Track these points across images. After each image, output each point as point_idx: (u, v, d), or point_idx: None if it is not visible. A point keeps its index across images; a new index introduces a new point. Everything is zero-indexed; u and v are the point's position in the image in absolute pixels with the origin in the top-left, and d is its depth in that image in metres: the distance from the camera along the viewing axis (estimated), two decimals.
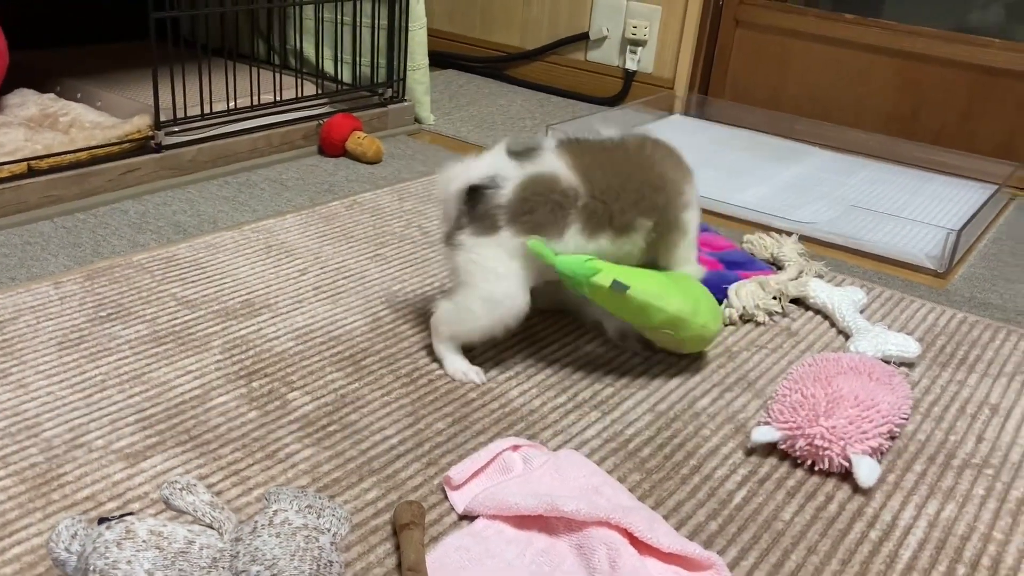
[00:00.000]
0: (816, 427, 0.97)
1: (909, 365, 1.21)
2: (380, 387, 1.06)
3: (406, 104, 2.09)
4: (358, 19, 1.99)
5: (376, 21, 1.98)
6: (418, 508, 0.83)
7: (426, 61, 2.10)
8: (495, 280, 1.06)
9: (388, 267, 1.37)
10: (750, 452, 1.00)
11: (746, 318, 1.29)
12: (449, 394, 1.06)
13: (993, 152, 2.08)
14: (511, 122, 2.24)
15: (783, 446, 0.99)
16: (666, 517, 0.89)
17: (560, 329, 1.23)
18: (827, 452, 0.96)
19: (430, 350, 1.14)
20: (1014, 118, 2.05)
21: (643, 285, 1.05)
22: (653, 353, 1.18)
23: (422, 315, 1.23)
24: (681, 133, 2.24)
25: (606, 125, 2.15)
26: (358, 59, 2.03)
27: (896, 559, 0.86)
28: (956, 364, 1.23)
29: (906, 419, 1.02)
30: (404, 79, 2.07)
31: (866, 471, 0.94)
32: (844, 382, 1.01)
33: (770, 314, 1.30)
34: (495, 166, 1.07)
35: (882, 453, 0.99)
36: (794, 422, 0.98)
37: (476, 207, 1.06)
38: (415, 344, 1.16)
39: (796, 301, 1.35)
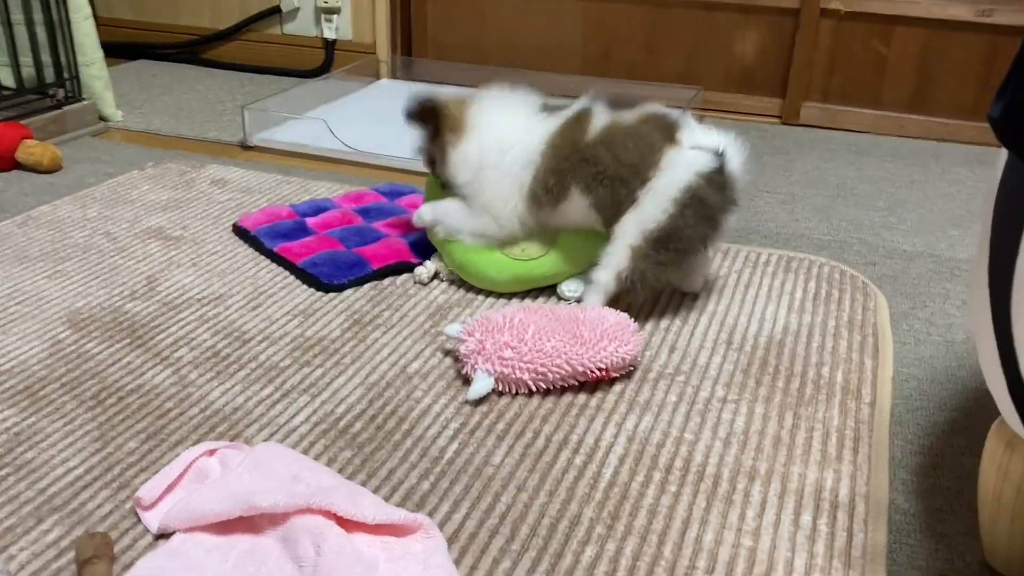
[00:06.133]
0: (471, 337, 1.03)
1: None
2: (61, 416, 0.97)
3: (85, 103, 1.92)
4: (7, 16, 1.79)
5: (31, 16, 1.80)
6: (102, 539, 0.77)
7: (100, 54, 1.94)
8: None
9: (69, 283, 1.25)
10: (462, 405, 1.01)
11: (443, 277, 1.29)
12: (141, 409, 0.98)
13: (677, 79, 2.22)
14: (209, 107, 2.12)
15: (457, 347, 1.06)
16: (378, 487, 0.87)
17: (265, 319, 1.18)
18: (467, 360, 1.03)
19: (120, 366, 1.06)
20: (689, 46, 2.20)
21: None
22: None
23: (109, 329, 1.14)
24: (389, 98, 2.22)
25: (311, 97, 2.09)
26: (17, 60, 1.83)
27: (599, 479, 0.89)
28: None
29: (567, 373, 1.01)
30: (78, 76, 1.90)
31: (476, 387, 1.01)
32: (535, 318, 1.04)
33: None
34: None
35: (531, 389, 1.02)
36: (471, 328, 1.04)
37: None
38: (102, 362, 1.07)
39: None
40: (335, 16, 2.35)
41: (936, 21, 1.96)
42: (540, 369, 1.01)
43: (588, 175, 1.16)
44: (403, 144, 1.84)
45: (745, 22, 2.13)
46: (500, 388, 1.02)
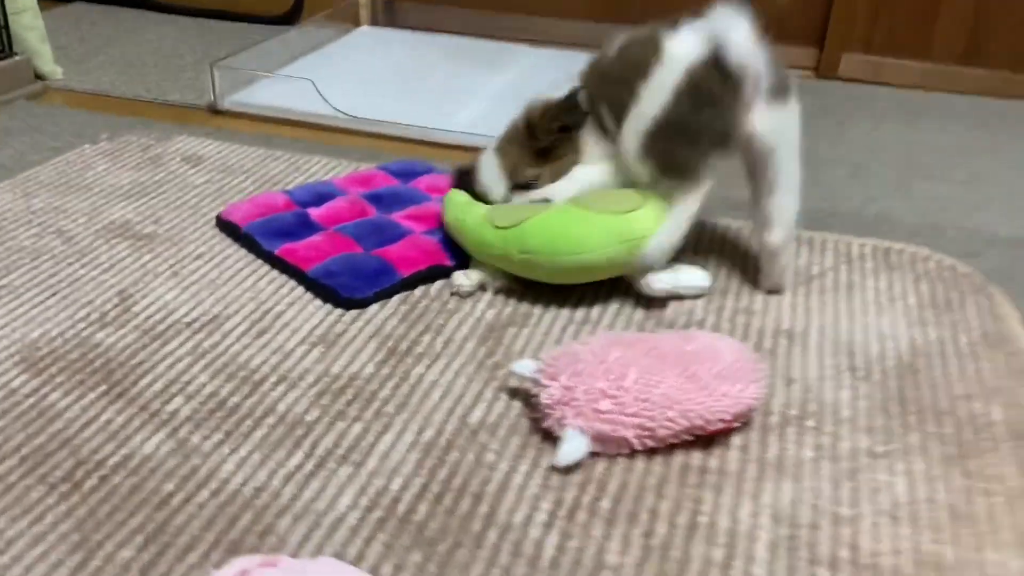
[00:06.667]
0: (553, 383, 0.81)
1: (698, 297, 1.06)
2: (25, 510, 0.72)
3: (18, 59, 1.62)
4: None
5: None
6: None
7: (33, 0, 1.63)
8: None
9: (19, 305, 0.99)
10: (549, 473, 0.79)
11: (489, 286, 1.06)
12: (133, 495, 0.74)
13: None
14: (166, 61, 1.82)
15: (533, 389, 0.84)
16: None
17: (276, 350, 0.94)
18: (551, 413, 0.81)
19: (98, 427, 0.81)
20: None
21: None
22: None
23: (78, 371, 0.89)
24: (373, 50, 1.94)
25: (283, 50, 1.81)
26: None
27: None
28: (734, 285, 1.09)
29: (682, 428, 0.79)
30: (7, 28, 1.59)
31: (567, 450, 0.78)
32: (635, 356, 0.82)
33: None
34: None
35: (632, 449, 0.80)
36: (552, 370, 0.82)
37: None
38: (73, 422, 0.82)
39: None
40: None
41: None
42: (648, 425, 0.79)
43: (603, 87, 1.06)
44: (401, 106, 1.59)
45: None
46: (595, 448, 0.80)
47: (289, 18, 2.10)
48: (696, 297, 1.06)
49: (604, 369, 0.81)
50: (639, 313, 1.03)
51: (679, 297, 1.05)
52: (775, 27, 1.98)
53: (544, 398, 0.81)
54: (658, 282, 1.02)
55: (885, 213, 1.31)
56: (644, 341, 0.86)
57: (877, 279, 1.11)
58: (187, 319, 0.98)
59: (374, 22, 2.09)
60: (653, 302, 1.04)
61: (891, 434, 0.85)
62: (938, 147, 1.57)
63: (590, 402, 0.79)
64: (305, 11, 2.09)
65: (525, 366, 0.85)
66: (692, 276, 1.06)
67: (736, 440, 0.83)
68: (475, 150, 1.44)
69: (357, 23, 2.07)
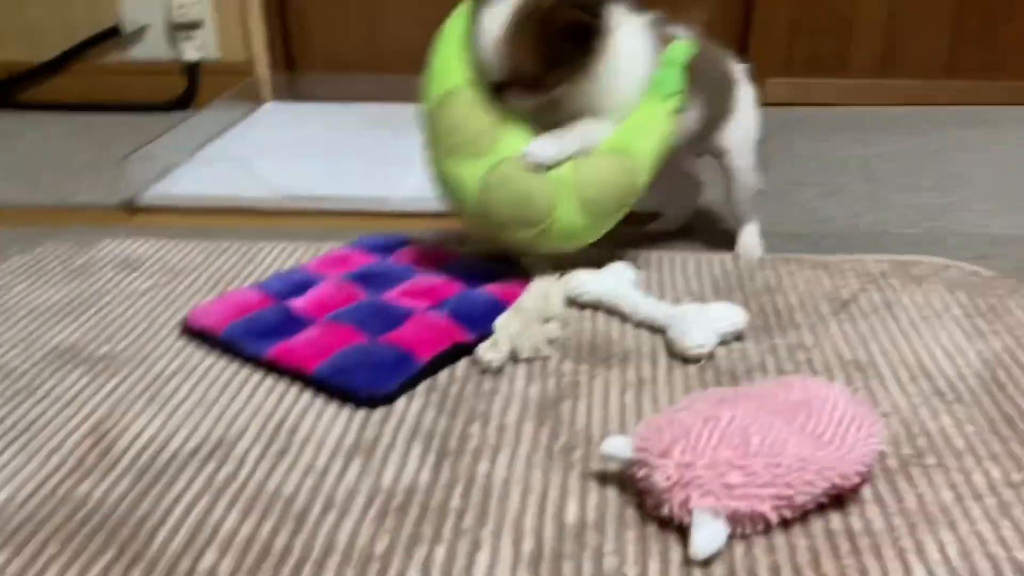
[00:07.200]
0: (666, 460, 0.69)
1: (739, 338, 0.97)
2: None
3: None
4: None
5: None
6: None
7: None
8: None
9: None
10: (686, 566, 0.67)
11: (518, 356, 0.94)
12: None
13: None
14: (57, 162, 1.63)
15: (638, 473, 0.72)
16: None
17: (307, 470, 0.78)
18: (667, 497, 0.69)
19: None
20: None
21: None
22: None
23: (73, 532, 0.70)
24: (287, 125, 1.80)
25: (189, 135, 1.65)
26: None
27: None
28: (774, 321, 1.01)
29: (820, 490, 0.70)
30: None
31: (703, 538, 0.67)
32: (749, 414, 0.72)
33: (551, 341, 0.97)
34: None
35: (768, 524, 0.69)
36: (660, 446, 0.70)
37: None
38: None
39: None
40: (196, 31, 1.89)
41: None
42: (785, 493, 0.69)
43: None
44: (340, 179, 1.46)
45: None
46: (730, 530, 0.69)
47: (181, 103, 1.93)
48: (737, 338, 0.98)
49: (721, 435, 0.70)
50: (692, 366, 0.93)
51: (723, 342, 0.97)
52: None
53: (659, 480, 0.70)
54: (697, 349, 0.93)
55: (877, 228, 1.28)
56: (746, 396, 0.76)
57: (911, 295, 1.06)
58: (187, 448, 0.81)
59: (278, 97, 1.96)
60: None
61: (1018, 459, 0.78)
62: (892, 158, 1.57)
63: (717, 477, 0.68)
64: (204, 95, 1.93)
65: (619, 446, 0.73)
66: (725, 319, 0.97)
67: (866, 493, 0.74)
68: (436, 216, 1.34)
69: (261, 100, 1.93)
